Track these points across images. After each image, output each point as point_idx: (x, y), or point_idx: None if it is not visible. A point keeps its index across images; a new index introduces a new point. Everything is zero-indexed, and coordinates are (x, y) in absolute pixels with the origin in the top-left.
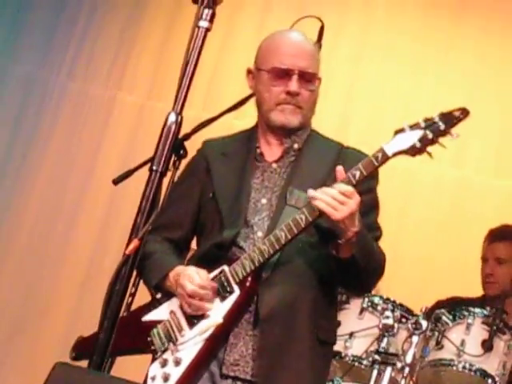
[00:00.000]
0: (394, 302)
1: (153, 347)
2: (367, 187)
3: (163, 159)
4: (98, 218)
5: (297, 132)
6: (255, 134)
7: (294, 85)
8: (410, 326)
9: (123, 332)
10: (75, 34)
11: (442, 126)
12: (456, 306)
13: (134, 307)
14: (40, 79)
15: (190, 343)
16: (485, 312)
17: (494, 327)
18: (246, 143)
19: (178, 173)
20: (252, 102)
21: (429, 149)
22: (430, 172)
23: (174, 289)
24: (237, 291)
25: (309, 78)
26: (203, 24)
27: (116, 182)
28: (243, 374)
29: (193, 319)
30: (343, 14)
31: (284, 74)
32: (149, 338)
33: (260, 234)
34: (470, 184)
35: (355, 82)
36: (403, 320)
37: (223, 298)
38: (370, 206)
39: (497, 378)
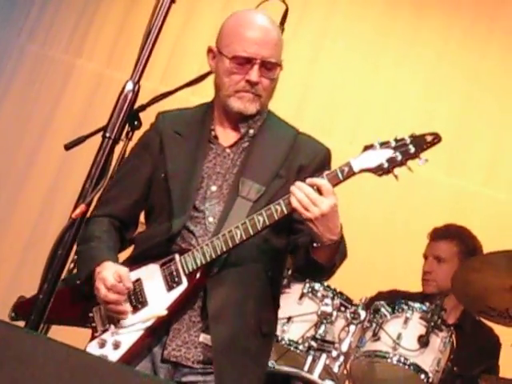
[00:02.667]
0: (334, 289)
1: (93, 324)
2: None
3: (117, 126)
4: (47, 182)
5: (253, 117)
6: (211, 113)
7: (254, 74)
8: (348, 315)
9: (65, 301)
10: None
11: (412, 150)
12: (396, 299)
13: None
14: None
15: (131, 329)
16: (424, 307)
17: (432, 323)
18: (201, 122)
19: (131, 144)
20: (210, 79)
21: (396, 171)
22: None
23: None
24: (185, 283)
25: (270, 66)
26: None
27: (68, 147)
28: (184, 360)
29: (137, 304)
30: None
31: (245, 62)
32: (90, 314)
33: (211, 219)
34: (420, 180)
35: (315, 68)
36: (342, 308)
37: (170, 288)
38: None
39: (430, 374)
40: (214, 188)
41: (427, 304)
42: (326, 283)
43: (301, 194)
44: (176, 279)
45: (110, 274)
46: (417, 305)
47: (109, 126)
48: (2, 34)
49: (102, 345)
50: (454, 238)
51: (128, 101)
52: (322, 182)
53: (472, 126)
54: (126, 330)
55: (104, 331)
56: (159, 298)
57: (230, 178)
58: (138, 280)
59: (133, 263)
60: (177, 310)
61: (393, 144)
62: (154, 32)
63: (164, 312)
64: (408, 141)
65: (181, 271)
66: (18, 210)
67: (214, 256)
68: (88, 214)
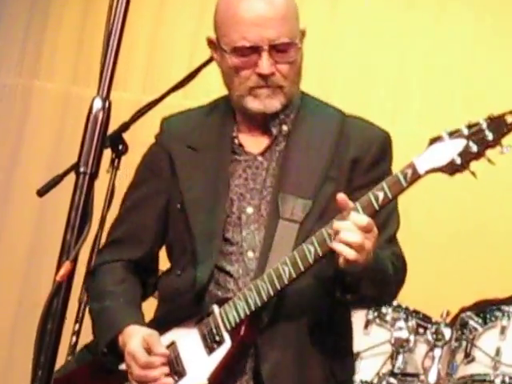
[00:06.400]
0: (406, 309)
1: None
2: (381, 174)
3: (92, 156)
4: (24, 238)
5: (284, 111)
6: (230, 116)
7: (264, 66)
8: (429, 336)
9: (87, 381)
10: None
11: (490, 136)
12: (485, 309)
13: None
14: None
15: None
16: None
17: None
18: (219, 128)
19: (120, 173)
20: (202, 76)
21: (472, 166)
22: None
23: None
24: (228, 342)
25: (283, 48)
26: None
27: (41, 193)
28: None
29: (174, 375)
30: None
31: (250, 52)
32: None
33: (251, 254)
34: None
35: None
36: (420, 330)
37: (211, 350)
38: None
39: None
40: (250, 210)
41: None
42: (395, 302)
43: (344, 247)
44: (217, 338)
45: (138, 344)
46: None
47: (81, 159)
48: None
49: None
50: None
51: (99, 122)
52: (358, 219)
53: None
54: None
55: None
56: (199, 365)
57: (268, 193)
58: (173, 344)
59: (162, 323)
60: (222, 378)
61: (465, 132)
62: (115, 33)
63: (205, 382)
64: (484, 125)
65: (221, 327)
66: None
67: (259, 303)
68: (94, 261)
